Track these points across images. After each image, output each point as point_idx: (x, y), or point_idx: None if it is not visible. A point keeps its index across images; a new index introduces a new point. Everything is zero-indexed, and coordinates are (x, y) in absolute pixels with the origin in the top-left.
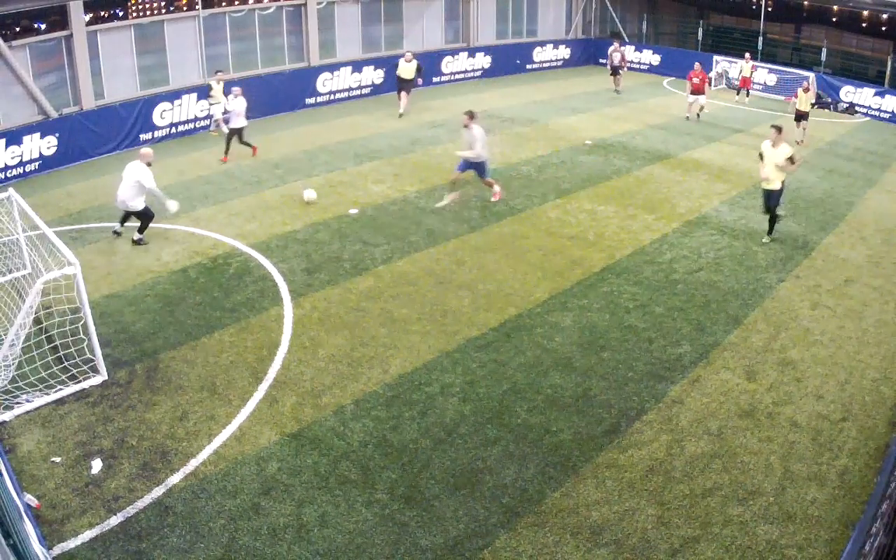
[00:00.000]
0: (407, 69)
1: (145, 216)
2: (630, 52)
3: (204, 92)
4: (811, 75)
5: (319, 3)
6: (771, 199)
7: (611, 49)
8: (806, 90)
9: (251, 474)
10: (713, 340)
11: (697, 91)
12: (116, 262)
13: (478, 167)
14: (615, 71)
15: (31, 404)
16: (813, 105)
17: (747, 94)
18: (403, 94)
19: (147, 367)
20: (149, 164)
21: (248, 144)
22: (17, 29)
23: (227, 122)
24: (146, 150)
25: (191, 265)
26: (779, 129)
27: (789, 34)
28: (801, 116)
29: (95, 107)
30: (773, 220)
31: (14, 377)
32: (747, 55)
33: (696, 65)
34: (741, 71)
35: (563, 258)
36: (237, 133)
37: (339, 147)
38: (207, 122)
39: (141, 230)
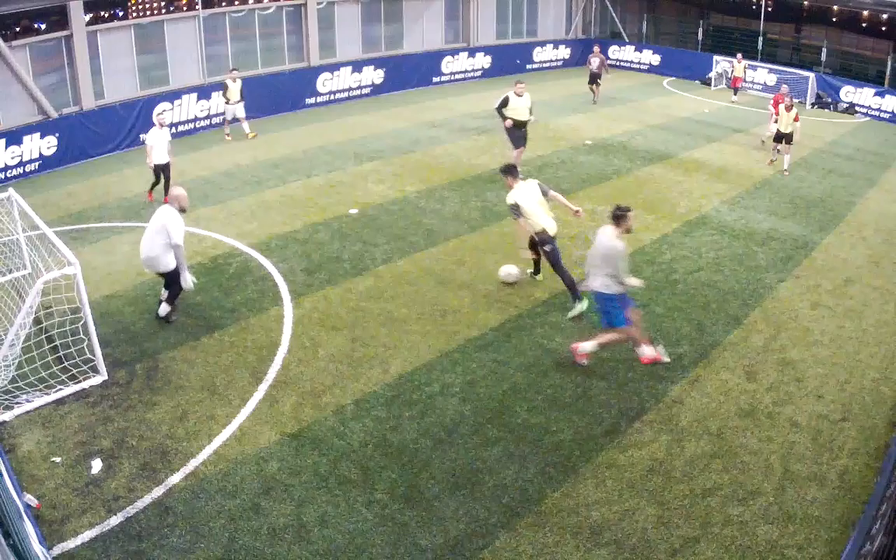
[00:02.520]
0: (521, 107)
1: (175, 282)
2: (630, 51)
3: (204, 92)
4: (810, 76)
5: (319, 3)
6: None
7: (591, 54)
8: (788, 108)
9: (251, 474)
10: (713, 340)
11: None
12: (116, 262)
13: None
14: (594, 79)
15: (31, 404)
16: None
17: (736, 92)
18: (521, 150)
19: (147, 367)
20: (182, 210)
21: (154, 185)
22: (17, 29)
23: (234, 120)
24: (179, 192)
25: (191, 265)
26: (506, 172)
27: (789, 34)
28: (781, 137)
29: (95, 107)
30: None
31: (14, 377)
32: (739, 55)
33: (784, 86)
34: (733, 70)
35: (564, 258)
36: (163, 170)
37: (339, 147)
38: (220, 121)
39: (170, 299)
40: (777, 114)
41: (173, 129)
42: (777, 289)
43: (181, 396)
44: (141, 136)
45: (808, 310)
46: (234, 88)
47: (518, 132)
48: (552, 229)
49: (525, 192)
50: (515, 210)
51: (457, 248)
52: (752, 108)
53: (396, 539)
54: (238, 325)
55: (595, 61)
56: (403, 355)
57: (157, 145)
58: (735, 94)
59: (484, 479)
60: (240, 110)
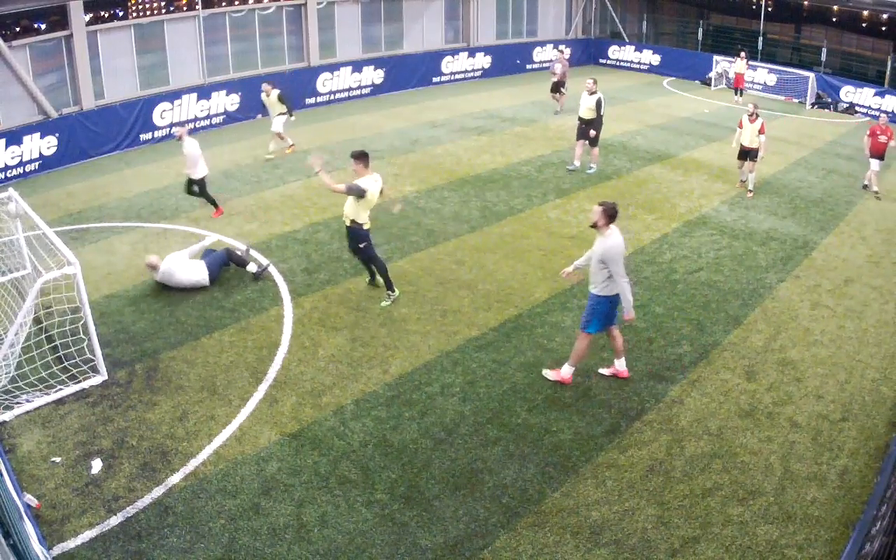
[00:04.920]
0: (582, 105)
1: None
2: (630, 51)
3: (204, 92)
4: (810, 76)
5: (319, 3)
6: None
7: (555, 58)
8: (753, 118)
9: (251, 474)
10: (713, 340)
11: (878, 153)
12: (116, 262)
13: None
14: (556, 87)
15: (31, 404)
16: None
17: (741, 93)
18: (580, 143)
19: (147, 367)
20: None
21: (211, 202)
22: (17, 29)
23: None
24: (150, 260)
25: None
26: (359, 156)
27: (789, 34)
28: (745, 153)
29: (95, 107)
30: (368, 266)
31: (14, 377)
32: (742, 54)
33: (882, 116)
34: (734, 67)
35: (563, 258)
36: (197, 184)
37: (339, 147)
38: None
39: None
40: (872, 146)
41: (172, 129)
42: (777, 289)
43: (181, 396)
44: (141, 135)
45: (808, 310)
46: (270, 102)
47: (579, 127)
48: (368, 223)
49: (373, 183)
50: (361, 192)
51: (457, 248)
52: None
53: (396, 539)
54: (238, 325)
55: (558, 67)
56: (403, 355)
57: (190, 156)
58: (740, 94)
59: (484, 479)
60: (277, 124)
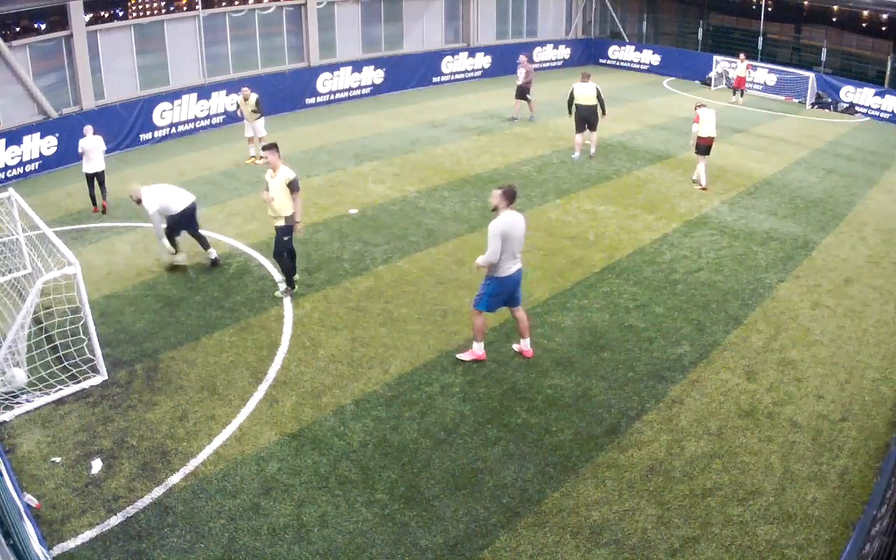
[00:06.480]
0: (586, 92)
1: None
2: (630, 51)
3: (204, 92)
4: (810, 76)
5: (319, 3)
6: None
7: (518, 65)
8: (697, 107)
9: (251, 474)
10: (713, 340)
11: None
12: (116, 262)
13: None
14: (522, 93)
15: (31, 404)
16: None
17: (741, 94)
18: (588, 131)
19: (147, 367)
20: (138, 202)
21: (93, 199)
22: (17, 29)
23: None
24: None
25: (191, 265)
26: (273, 147)
27: (789, 34)
28: (703, 147)
29: (95, 107)
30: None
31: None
32: (742, 55)
33: None
34: (736, 70)
35: (563, 258)
36: (96, 178)
37: (339, 147)
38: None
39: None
40: None
41: (172, 129)
42: (777, 289)
43: (181, 396)
44: (141, 136)
45: (808, 310)
46: (246, 106)
47: (583, 117)
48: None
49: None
50: (297, 185)
51: (457, 248)
52: (752, 109)
53: (396, 539)
54: (238, 325)
55: (521, 72)
56: (403, 355)
57: (88, 150)
58: (741, 95)
59: (484, 479)
60: (259, 128)
